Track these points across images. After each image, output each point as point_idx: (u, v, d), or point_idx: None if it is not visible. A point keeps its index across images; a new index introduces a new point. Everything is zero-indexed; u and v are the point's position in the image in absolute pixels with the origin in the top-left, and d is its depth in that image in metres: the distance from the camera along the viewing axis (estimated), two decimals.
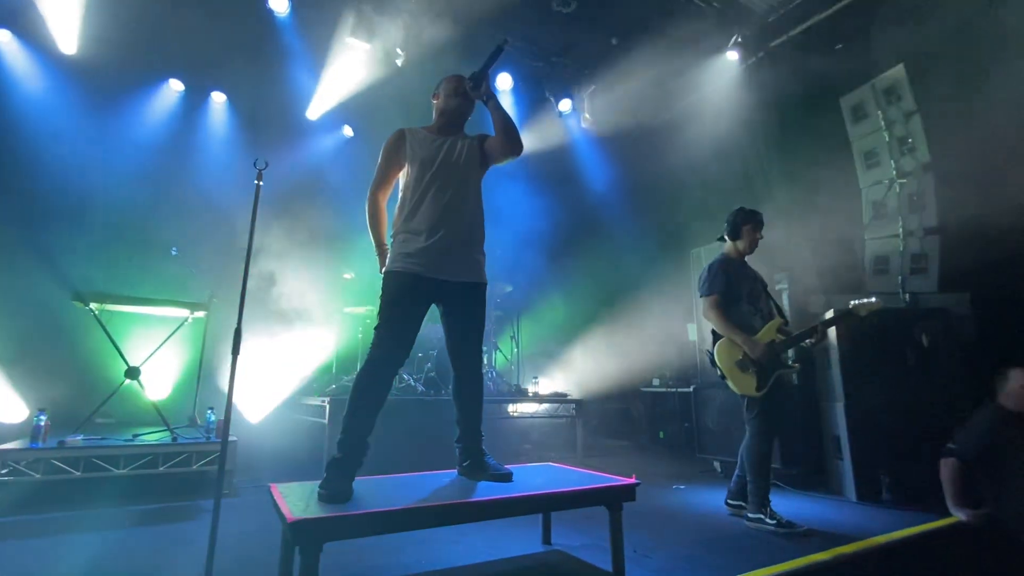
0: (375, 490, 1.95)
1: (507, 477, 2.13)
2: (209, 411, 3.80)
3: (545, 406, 5.23)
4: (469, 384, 2.29)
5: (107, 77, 5.18)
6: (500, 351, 5.81)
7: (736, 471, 3.10)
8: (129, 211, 4.99)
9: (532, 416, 5.30)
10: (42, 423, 3.22)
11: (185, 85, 5.62)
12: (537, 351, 6.50)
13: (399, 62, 5.73)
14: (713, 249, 3.62)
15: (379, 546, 2.37)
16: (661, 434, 5.84)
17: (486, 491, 1.92)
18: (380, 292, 2.19)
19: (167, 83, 5.56)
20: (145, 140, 5.33)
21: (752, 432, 2.89)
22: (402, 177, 2.34)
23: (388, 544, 2.41)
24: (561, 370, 6.27)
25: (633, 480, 2.13)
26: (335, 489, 1.82)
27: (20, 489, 3.03)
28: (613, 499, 2.08)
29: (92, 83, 5.09)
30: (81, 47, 5.03)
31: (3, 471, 2.99)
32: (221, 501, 1.90)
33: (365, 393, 2.07)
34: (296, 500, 1.73)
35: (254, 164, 2.15)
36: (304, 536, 1.49)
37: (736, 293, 2.95)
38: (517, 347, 5.88)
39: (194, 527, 2.76)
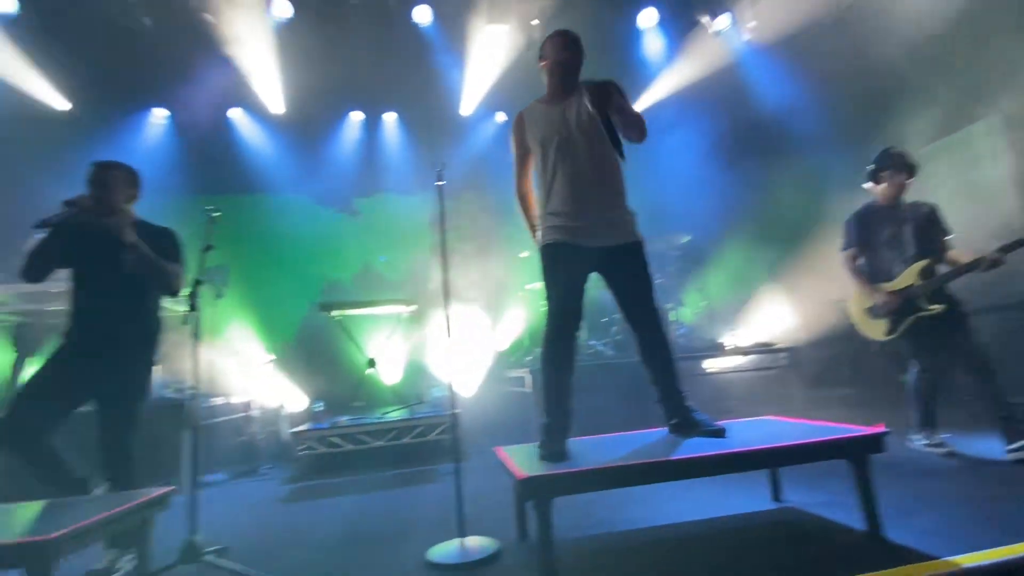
0: (592, 449, 2.03)
1: (720, 433, 2.03)
2: (433, 389, 4.38)
3: (748, 359, 4.82)
4: (653, 345, 2.20)
5: (308, 123, 6.24)
6: (686, 305, 5.52)
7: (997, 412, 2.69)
8: (338, 225, 5.96)
9: (734, 371, 4.93)
10: (319, 409, 4.08)
11: (364, 113, 6.46)
12: (729, 300, 6.00)
13: (536, 34, 5.74)
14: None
15: (602, 502, 2.48)
16: (904, 379, 4.93)
17: (705, 447, 1.85)
18: (540, 265, 2.24)
19: (348, 116, 6.45)
20: (341, 167, 6.31)
21: (912, 372, 2.98)
22: (533, 159, 2.31)
23: (611, 501, 2.50)
24: (761, 318, 5.70)
25: (881, 428, 1.84)
26: (552, 450, 1.95)
27: (311, 460, 3.91)
28: (856, 451, 1.84)
29: (298, 131, 6.21)
30: (287, 105, 6.15)
31: (300, 447, 3.88)
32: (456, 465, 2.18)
33: (551, 361, 2.16)
34: (522, 460, 1.90)
35: (433, 167, 2.36)
36: (535, 491, 1.63)
37: (874, 242, 2.99)
38: (706, 298, 5.51)
39: (439, 488, 3.23)
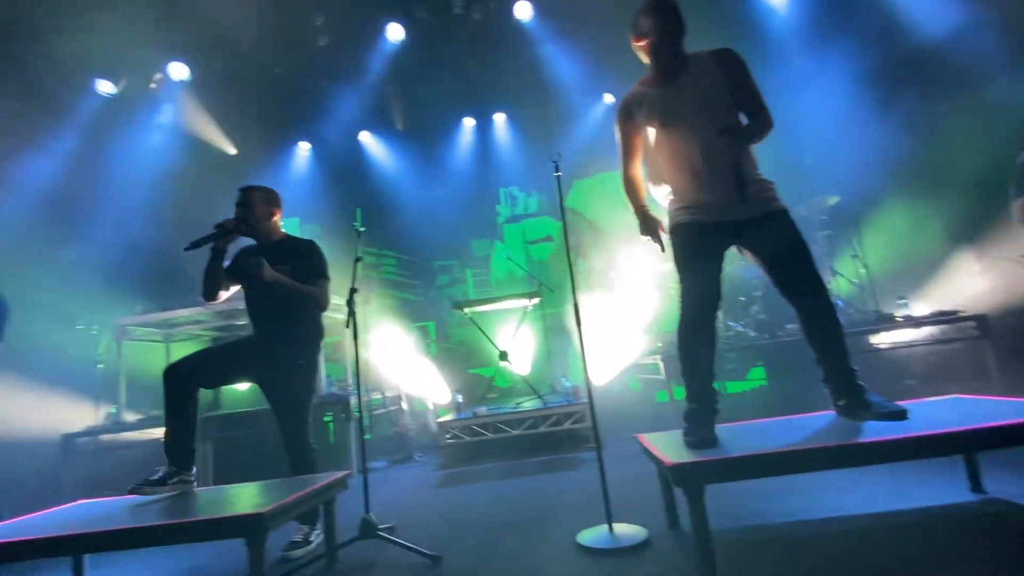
0: (744, 435, 1.90)
1: (900, 415, 1.76)
2: (563, 378, 4.43)
3: (926, 331, 4.14)
4: (817, 317, 1.99)
5: (426, 135, 6.66)
6: (841, 275, 4.89)
7: None
8: (462, 229, 6.29)
9: (908, 345, 4.27)
10: (460, 400, 4.34)
11: (475, 119, 6.71)
12: (894, 266, 5.20)
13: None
14: None
15: (760, 492, 2.32)
16: None
17: (884, 431, 1.63)
18: (671, 248, 2.14)
19: (462, 122, 6.75)
20: (461, 170, 6.62)
21: None
22: (645, 144, 2.17)
23: (770, 490, 2.33)
24: (939, 284, 4.85)
25: None
26: (699, 436, 1.86)
27: (457, 449, 4.17)
28: None
29: (418, 143, 6.65)
30: (406, 122, 6.63)
31: (447, 436, 4.16)
32: (592, 452, 2.17)
33: (691, 346, 2.06)
34: (666, 447, 1.84)
35: (550, 158, 2.37)
36: (686, 479, 1.56)
37: None
38: (864, 266, 4.84)
39: (580, 475, 3.26)
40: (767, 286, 4.43)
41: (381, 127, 6.71)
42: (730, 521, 2.05)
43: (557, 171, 2.36)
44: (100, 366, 4.97)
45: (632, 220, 2.22)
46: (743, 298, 4.78)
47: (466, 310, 4.73)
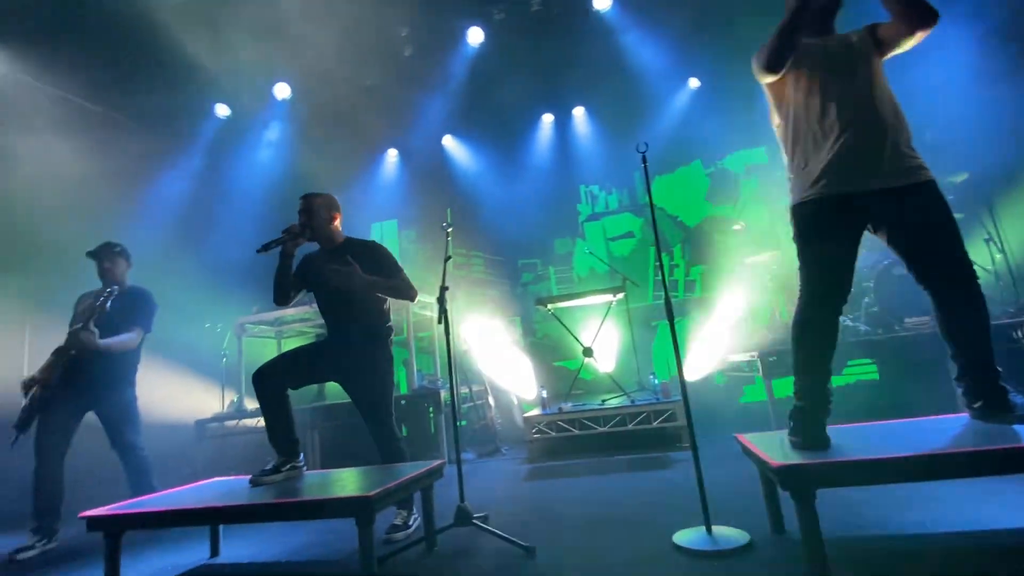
0: (859, 438, 1.76)
1: None
2: (651, 376, 4.31)
3: None
4: (963, 309, 1.75)
5: (506, 134, 6.76)
6: (973, 262, 4.31)
7: None
8: (543, 226, 6.31)
9: None
10: (545, 395, 4.37)
11: (554, 114, 6.71)
12: None
13: None
14: None
15: (874, 501, 2.13)
16: None
17: None
18: (792, 228, 1.96)
19: (541, 119, 6.77)
20: (541, 167, 6.65)
21: None
22: (781, 108, 2.02)
23: (886, 499, 2.13)
24: None
25: None
26: (809, 436, 1.74)
27: (543, 443, 4.20)
28: None
29: (499, 143, 6.77)
30: (486, 123, 6.79)
31: (533, 431, 4.21)
32: (683, 452, 2.09)
33: (806, 338, 1.89)
34: (771, 448, 1.74)
35: (636, 149, 2.32)
36: (795, 482, 1.47)
37: None
38: (1002, 251, 4.25)
39: (671, 474, 3.17)
40: (880, 276, 4.03)
41: (463, 130, 6.91)
42: (842, 529, 1.90)
43: (644, 161, 2.30)
44: (224, 360, 5.57)
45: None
46: (852, 289, 4.38)
47: (549, 306, 4.75)
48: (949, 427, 1.73)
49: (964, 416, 1.80)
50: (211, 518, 2.10)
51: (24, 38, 5.01)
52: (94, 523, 2.06)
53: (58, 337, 3.30)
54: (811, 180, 1.88)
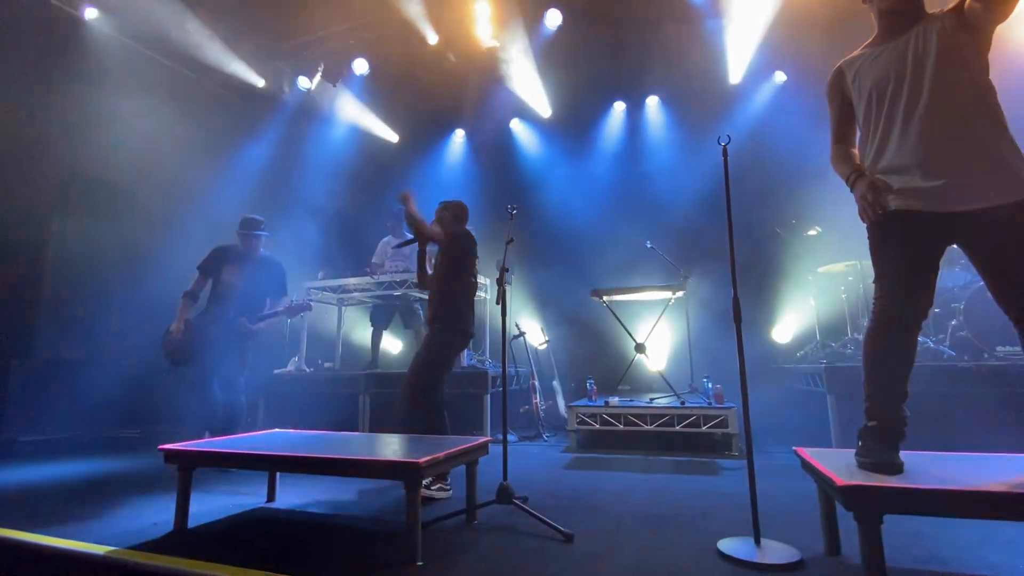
0: (936, 466, 1.63)
1: None
2: (705, 379, 4.18)
3: None
4: None
5: (575, 121, 6.66)
6: None
7: None
8: (606, 216, 6.19)
9: None
10: (593, 387, 4.34)
11: (625, 103, 6.54)
12: None
13: None
14: None
15: (948, 537, 1.98)
16: None
17: None
18: (869, 240, 1.84)
19: (612, 107, 6.61)
20: (611, 155, 6.53)
21: None
22: (860, 115, 1.91)
23: (961, 536, 1.98)
24: None
25: None
26: (880, 458, 1.63)
27: (586, 434, 4.19)
28: None
29: (567, 129, 6.67)
30: (552, 108, 6.71)
31: (577, 421, 4.19)
32: (731, 460, 2.01)
33: (880, 354, 1.77)
34: (835, 466, 1.65)
35: (718, 141, 2.22)
36: (862, 504, 1.39)
37: None
38: None
39: (719, 481, 3.07)
40: (972, 298, 3.70)
41: (532, 114, 6.86)
42: (903, 560, 1.78)
43: (724, 154, 2.20)
44: (289, 321, 5.88)
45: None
46: (938, 309, 4.05)
47: (604, 298, 4.68)
48: None
49: None
50: (270, 464, 2.24)
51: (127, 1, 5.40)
52: (170, 456, 2.25)
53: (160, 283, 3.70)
54: (890, 192, 1.77)
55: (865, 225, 1.85)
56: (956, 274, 4.01)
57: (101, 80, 5.43)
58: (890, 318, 1.73)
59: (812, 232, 4.86)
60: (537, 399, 5.00)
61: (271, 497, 2.69)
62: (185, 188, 6.07)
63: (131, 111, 5.55)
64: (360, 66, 6.46)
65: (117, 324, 5.44)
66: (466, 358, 4.85)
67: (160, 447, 2.29)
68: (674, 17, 5.54)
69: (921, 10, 1.82)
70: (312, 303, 4.05)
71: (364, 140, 7.31)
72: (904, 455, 1.70)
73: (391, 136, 7.52)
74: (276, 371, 5.34)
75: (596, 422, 4.13)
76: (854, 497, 1.39)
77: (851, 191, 1.86)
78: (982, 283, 3.69)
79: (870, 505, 1.37)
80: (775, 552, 1.81)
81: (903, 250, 1.73)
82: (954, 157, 1.66)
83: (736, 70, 5.92)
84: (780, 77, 5.82)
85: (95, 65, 5.42)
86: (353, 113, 7.15)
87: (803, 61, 5.59)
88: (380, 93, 6.96)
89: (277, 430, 2.95)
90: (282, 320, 5.83)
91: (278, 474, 2.76)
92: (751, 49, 5.71)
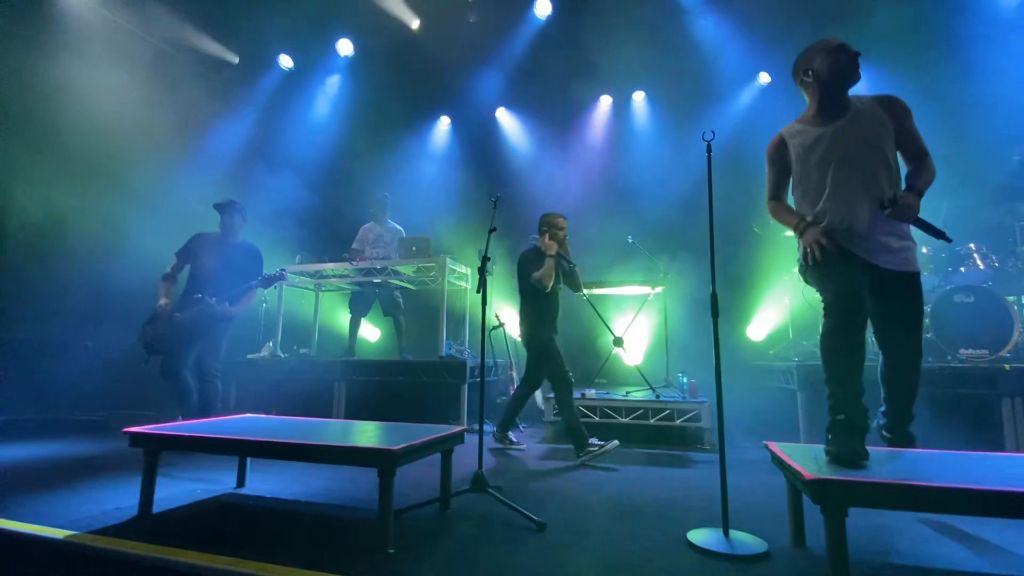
0: (899, 462, 1.67)
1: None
2: (680, 374, 4.24)
3: None
4: (906, 374, 2.13)
5: (561, 112, 6.63)
6: None
7: None
8: (588, 209, 6.20)
9: None
10: (571, 379, 4.35)
11: (612, 97, 6.53)
12: None
13: None
14: None
15: (906, 530, 2.05)
16: None
17: None
18: (813, 273, 2.12)
19: (599, 100, 6.60)
20: (591, 152, 6.51)
21: None
22: (797, 178, 2.28)
23: (920, 531, 2.05)
24: None
25: None
26: (848, 450, 1.67)
27: (561, 425, 4.19)
28: None
29: (553, 121, 6.65)
30: (539, 99, 6.67)
31: (553, 412, 4.21)
32: (702, 454, 2.04)
33: (836, 352, 1.93)
34: (804, 460, 1.68)
35: (702, 137, 2.23)
36: (827, 497, 1.42)
37: None
38: None
39: (690, 473, 3.12)
40: (939, 301, 3.82)
41: (518, 104, 6.81)
42: (865, 553, 1.84)
43: (709, 151, 2.21)
44: (264, 305, 5.77)
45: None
46: None
47: (584, 291, 4.69)
48: (997, 464, 1.63)
49: (1014, 455, 1.69)
50: (240, 449, 2.19)
51: None
52: (135, 440, 2.19)
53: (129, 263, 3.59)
54: (829, 231, 2.16)
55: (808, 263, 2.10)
56: (924, 278, 4.12)
57: (70, 49, 5.20)
58: (843, 314, 1.92)
59: (789, 232, 4.93)
60: (515, 390, 5.00)
61: (240, 483, 2.64)
62: (159, 166, 5.88)
63: (102, 83, 5.33)
64: (344, 47, 6.32)
65: (83, 304, 5.26)
66: (445, 347, 4.83)
67: (125, 430, 2.22)
68: (662, 12, 5.54)
69: (850, 98, 2.17)
70: (285, 275, 3.98)
71: (346, 123, 7.16)
72: (869, 451, 1.76)
73: (375, 120, 7.37)
74: (250, 356, 5.24)
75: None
76: (821, 490, 1.42)
77: (799, 236, 2.16)
78: (948, 288, 3.82)
79: (836, 498, 1.40)
80: (743, 544, 1.85)
81: (841, 265, 2.02)
82: (872, 230, 2.05)
83: (722, 69, 5.96)
84: (764, 78, 5.89)
85: (64, 34, 5.18)
86: (336, 95, 6.99)
87: (787, 63, 5.66)
88: (365, 75, 6.82)
89: (249, 415, 2.90)
90: (257, 304, 5.73)
91: (249, 460, 2.71)
92: (737, 48, 5.75)
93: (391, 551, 1.79)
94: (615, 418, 4.03)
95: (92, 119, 5.28)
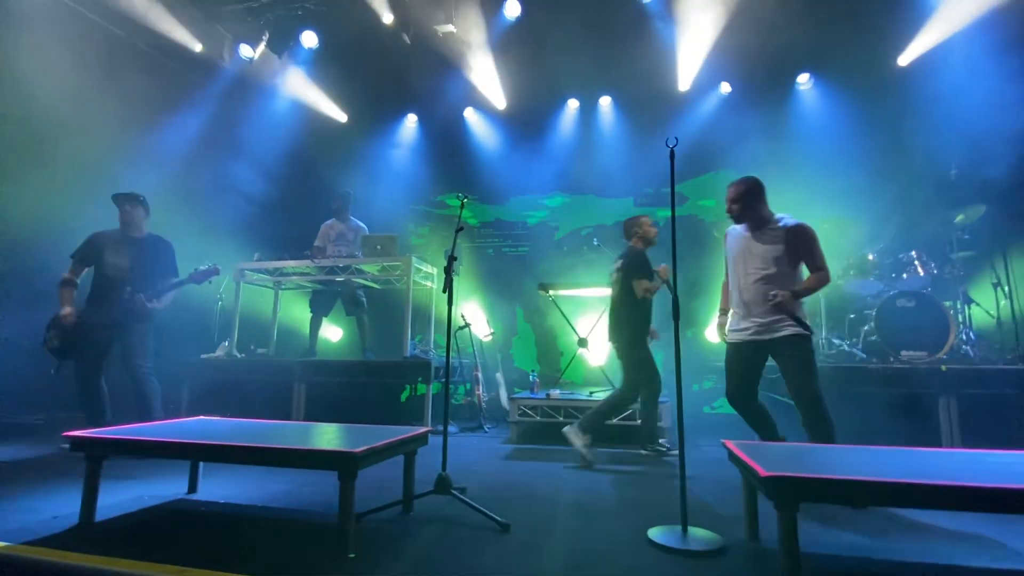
0: (847, 459, 1.76)
1: None
2: None
3: None
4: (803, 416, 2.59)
5: (530, 115, 6.66)
6: (977, 304, 4.31)
7: None
8: (556, 212, 6.25)
9: None
10: (536, 379, 4.38)
11: (579, 101, 6.60)
12: None
13: None
14: None
15: (853, 523, 2.15)
16: None
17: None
18: None
19: (566, 104, 6.66)
20: (558, 155, 6.57)
21: None
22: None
23: (865, 523, 2.15)
24: None
25: None
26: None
27: (527, 426, 4.22)
28: None
29: (519, 124, 6.66)
30: (507, 101, 6.68)
31: (519, 413, 4.22)
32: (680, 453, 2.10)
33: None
34: (760, 457, 1.74)
35: (666, 143, 2.28)
36: (781, 492, 1.47)
37: None
38: (1008, 297, 4.23)
39: (650, 471, 3.19)
40: (883, 306, 4.02)
41: (486, 104, 6.79)
42: (815, 545, 1.92)
43: (672, 157, 2.26)
44: (220, 303, 5.55)
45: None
46: (852, 315, 4.38)
47: (550, 292, 4.74)
48: (935, 460, 1.73)
49: (950, 451, 1.80)
50: (191, 453, 2.10)
51: None
52: (77, 444, 2.06)
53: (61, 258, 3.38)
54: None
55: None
56: (870, 283, 4.35)
57: (5, 25, 4.86)
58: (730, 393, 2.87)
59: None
60: (480, 390, 5.00)
61: (192, 489, 2.53)
62: (104, 157, 5.57)
63: (44, 65, 5.01)
64: (309, 39, 6.16)
65: (18, 300, 4.93)
66: (409, 348, 4.77)
67: (65, 434, 2.10)
68: (629, 19, 5.63)
69: (765, 218, 2.77)
70: (219, 271, 3.83)
71: (310, 118, 6.96)
72: (822, 448, 1.85)
73: (339, 115, 7.21)
74: (204, 356, 5.03)
75: (537, 414, 4.17)
76: (775, 486, 1.47)
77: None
78: (893, 293, 4.03)
79: (789, 493, 1.46)
80: (700, 540, 1.89)
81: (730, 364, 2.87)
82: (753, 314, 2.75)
83: (685, 77, 6.11)
84: (725, 88, 6.07)
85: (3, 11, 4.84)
86: (299, 88, 6.80)
87: (748, 74, 5.86)
88: (329, 69, 6.65)
89: (202, 417, 2.78)
90: (213, 303, 5.52)
91: (202, 465, 2.60)
92: (700, 58, 5.91)
93: (352, 556, 1.75)
94: (579, 418, 4.06)
95: (31, 103, 4.96)
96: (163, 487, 2.61)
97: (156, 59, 6.13)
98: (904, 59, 5.35)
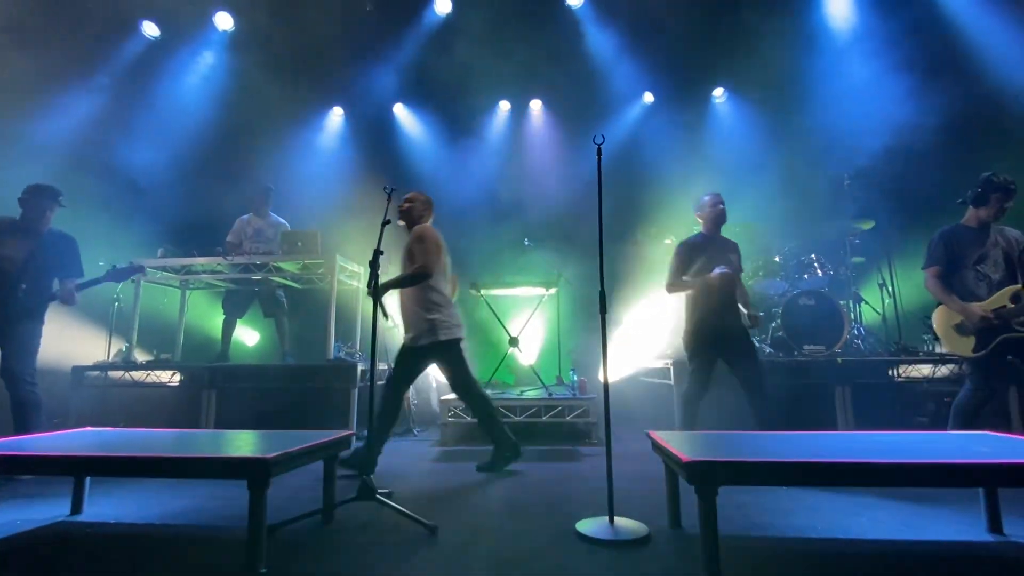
0: (756, 445, 1.86)
1: None
2: (572, 372, 4.38)
3: (948, 368, 4.03)
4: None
5: (460, 113, 6.60)
6: (866, 302, 4.78)
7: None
8: (486, 212, 6.23)
9: (926, 380, 4.17)
10: None
11: (510, 103, 6.64)
12: (929, 301, 5.04)
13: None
14: None
15: (764, 505, 2.28)
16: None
17: (917, 454, 1.58)
18: None
19: (498, 105, 6.68)
20: (489, 155, 6.56)
21: (965, 388, 2.89)
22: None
23: (775, 504, 2.29)
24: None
25: None
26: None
27: (457, 428, 4.15)
28: None
29: (452, 121, 6.59)
30: (438, 97, 6.60)
31: (449, 414, 4.14)
32: (592, 448, 2.13)
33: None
34: (681, 445, 1.80)
35: (593, 140, 2.32)
36: (701, 477, 1.52)
37: (960, 261, 2.96)
38: (892, 297, 4.72)
39: (579, 467, 3.24)
40: (788, 304, 4.34)
41: (416, 100, 6.66)
42: (732, 528, 2.01)
43: (599, 153, 2.30)
44: (117, 304, 5.02)
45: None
46: (762, 313, 4.70)
47: (481, 292, 4.70)
48: (833, 441, 1.87)
49: (845, 433, 1.95)
50: (73, 468, 1.85)
51: None
52: None
53: None
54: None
55: None
56: (776, 283, 4.70)
57: None
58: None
59: (668, 241, 5.36)
60: (409, 394, 4.85)
61: (77, 509, 2.24)
62: None
63: None
64: (223, 20, 5.74)
65: None
66: (334, 350, 4.54)
67: None
68: (560, 24, 5.75)
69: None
70: (144, 269, 3.46)
71: (223, 105, 6.47)
72: (736, 436, 1.95)
73: (256, 104, 6.75)
74: (96, 362, 4.52)
75: (467, 415, 4.11)
76: (694, 471, 1.52)
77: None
78: (796, 292, 4.35)
79: (708, 478, 1.51)
80: (626, 530, 1.93)
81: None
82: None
83: (613, 84, 6.32)
84: (648, 97, 6.34)
85: None
86: (210, 73, 6.30)
87: (670, 84, 6.16)
88: (246, 55, 6.23)
89: (88, 428, 2.47)
90: (108, 303, 4.97)
91: (89, 483, 2.31)
92: (626, 66, 6.13)
93: (263, 571, 1.61)
94: (510, 417, 4.06)
95: None
96: (41, 510, 2.29)
97: (45, 33, 5.46)
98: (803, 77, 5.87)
